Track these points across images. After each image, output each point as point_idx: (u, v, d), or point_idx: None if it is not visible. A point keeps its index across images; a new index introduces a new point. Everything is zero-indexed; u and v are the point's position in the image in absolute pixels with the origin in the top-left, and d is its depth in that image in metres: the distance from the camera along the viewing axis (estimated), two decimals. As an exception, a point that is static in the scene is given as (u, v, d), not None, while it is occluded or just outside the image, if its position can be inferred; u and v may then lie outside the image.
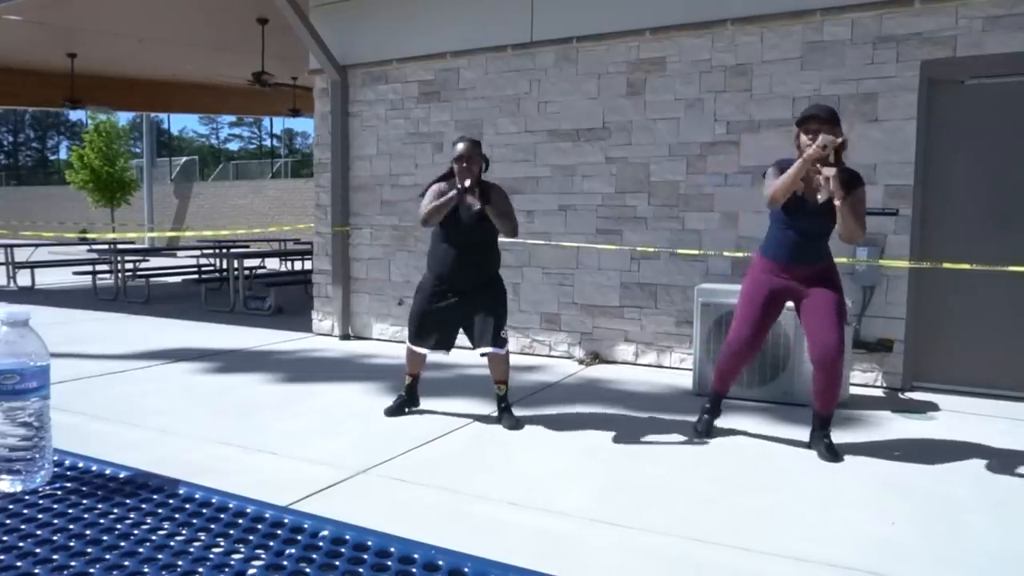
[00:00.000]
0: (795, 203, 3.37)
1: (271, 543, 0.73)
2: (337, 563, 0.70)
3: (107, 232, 20.20)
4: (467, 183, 3.72)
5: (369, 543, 0.74)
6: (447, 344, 3.98)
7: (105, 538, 0.74)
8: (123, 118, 26.88)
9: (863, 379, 4.83)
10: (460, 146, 3.82)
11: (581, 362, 5.64)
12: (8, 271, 11.19)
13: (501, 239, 3.96)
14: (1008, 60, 4.34)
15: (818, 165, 3.26)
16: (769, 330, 3.64)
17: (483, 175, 3.91)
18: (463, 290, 3.88)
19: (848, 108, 4.72)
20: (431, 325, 3.93)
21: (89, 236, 20.37)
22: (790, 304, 3.60)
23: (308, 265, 10.53)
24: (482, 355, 3.90)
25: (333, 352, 6.11)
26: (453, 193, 3.75)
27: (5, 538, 0.73)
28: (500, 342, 3.87)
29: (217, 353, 5.92)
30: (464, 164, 3.78)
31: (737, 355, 3.62)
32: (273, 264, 14.05)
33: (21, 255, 11.88)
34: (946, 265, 4.34)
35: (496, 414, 4.00)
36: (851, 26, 4.72)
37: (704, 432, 3.73)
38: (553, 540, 2.57)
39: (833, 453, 3.41)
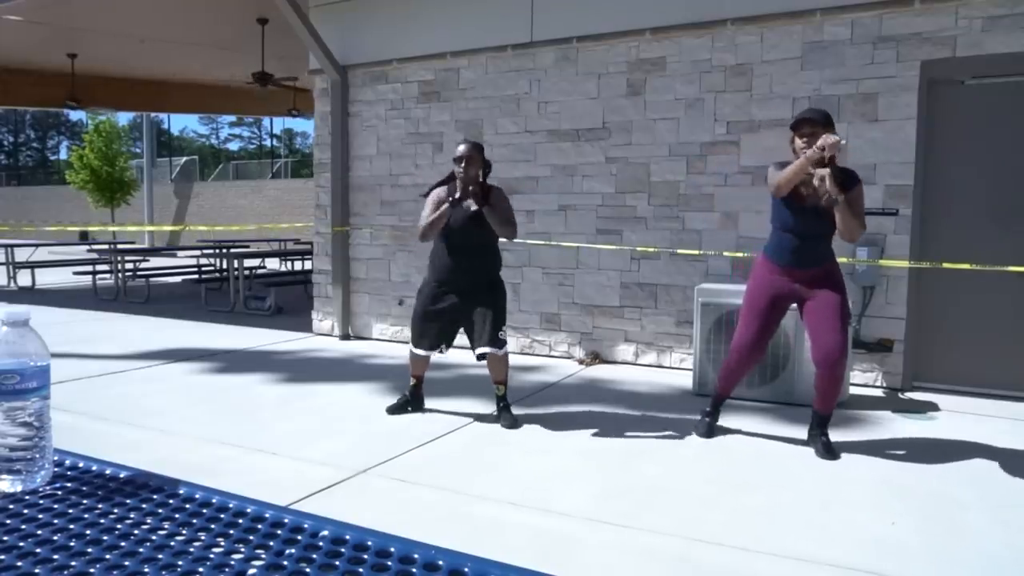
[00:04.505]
0: (793, 205, 3.38)
1: (271, 543, 0.73)
2: (337, 563, 0.70)
3: (108, 226, 20.15)
4: (457, 195, 3.78)
5: (369, 543, 0.74)
6: (447, 343, 4.01)
7: (105, 538, 0.74)
8: (123, 118, 26.89)
9: (863, 379, 4.83)
10: (460, 147, 3.85)
11: (581, 362, 5.64)
12: (8, 271, 11.19)
13: (502, 240, 3.97)
14: (1008, 60, 4.34)
15: (816, 172, 3.28)
16: (774, 332, 3.64)
17: (486, 178, 3.93)
18: (463, 291, 3.89)
19: (848, 108, 4.72)
20: (432, 327, 3.95)
21: (92, 228, 20.30)
22: (793, 305, 3.60)
23: (308, 265, 10.54)
24: (479, 356, 3.91)
25: (333, 352, 6.11)
26: (444, 208, 3.82)
27: (5, 538, 0.73)
28: (499, 343, 3.88)
29: (217, 353, 5.92)
30: (463, 165, 3.80)
31: (742, 358, 3.63)
32: (273, 264, 14.05)
33: (21, 255, 11.87)
34: (946, 265, 4.34)
35: (496, 414, 4.01)
36: (851, 26, 4.72)
37: (704, 434, 3.74)
38: (553, 540, 2.57)
39: (830, 451, 3.41)
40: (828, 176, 3.24)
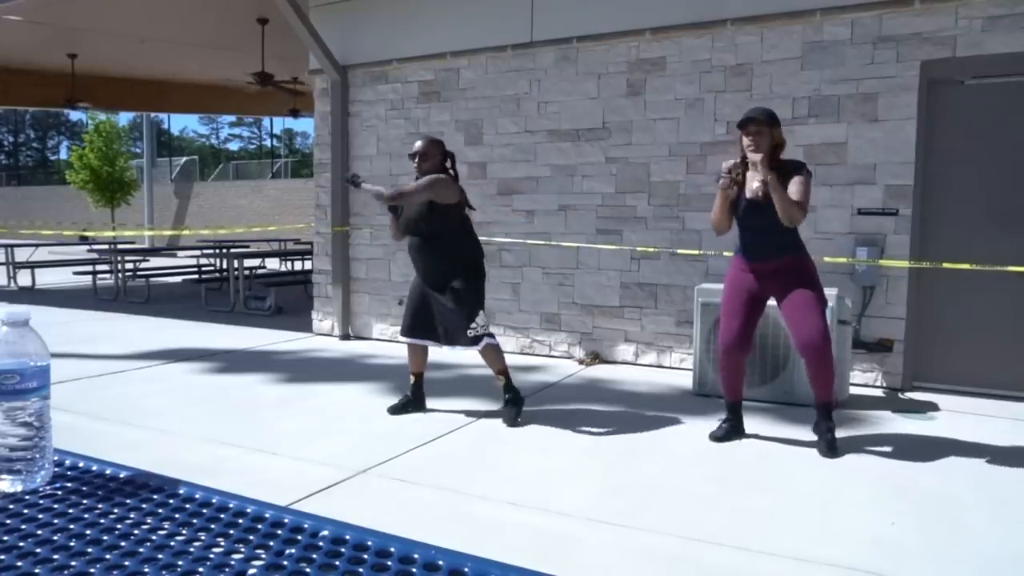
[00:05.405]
0: (742, 200, 3.47)
1: (271, 543, 0.74)
2: (337, 563, 0.70)
3: (107, 231, 20.17)
4: (349, 174, 4.15)
5: (369, 543, 0.74)
6: (434, 336, 4.03)
7: (105, 538, 0.74)
8: (123, 118, 26.89)
9: (863, 379, 4.83)
10: (416, 144, 3.99)
11: (581, 362, 5.64)
12: (8, 271, 11.18)
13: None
14: (1008, 60, 4.34)
15: (749, 156, 3.37)
16: (755, 326, 3.67)
17: (454, 167, 4.04)
18: (432, 284, 3.96)
19: (848, 108, 4.72)
20: (413, 316, 4.04)
21: (89, 234, 20.31)
22: (772, 302, 3.62)
23: (308, 265, 10.53)
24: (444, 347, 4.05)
25: (333, 352, 6.11)
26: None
27: (5, 538, 0.73)
28: (470, 341, 3.86)
29: (217, 353, 5.92)
30: (416, 161, 3.96)
31: (729, 356, 3.64)
32: (273, 264, 14.05)
33: (21, 255, 11.87)
34: (946, 265, 4.34)
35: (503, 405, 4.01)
36: (851, 26, 4.71)
37: (719, 438, 3.69)
38: (553, 540, 2.57)
39: (832, 449, 3.40)
40: (761, 160, 3.31)
